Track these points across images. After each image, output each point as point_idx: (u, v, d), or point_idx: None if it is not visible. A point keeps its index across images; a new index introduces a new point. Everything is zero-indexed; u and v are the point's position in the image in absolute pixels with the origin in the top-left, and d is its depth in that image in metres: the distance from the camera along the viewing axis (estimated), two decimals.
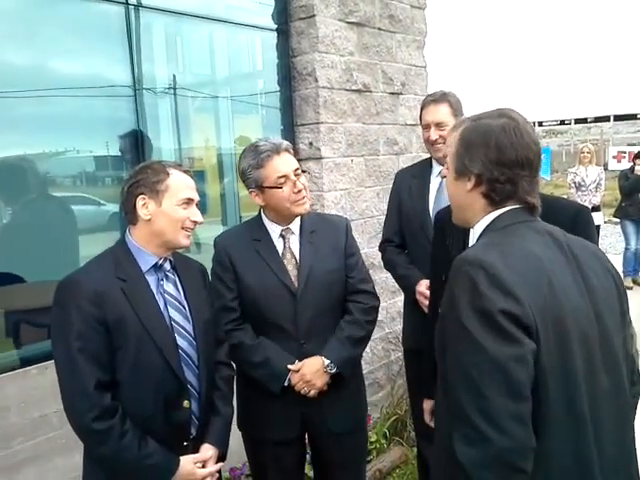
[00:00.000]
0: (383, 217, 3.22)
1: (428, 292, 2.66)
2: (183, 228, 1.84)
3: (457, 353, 1.24)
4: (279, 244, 2.25)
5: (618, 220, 8.30)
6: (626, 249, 8.25)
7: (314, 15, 3.49)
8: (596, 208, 7.83)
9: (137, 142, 3.08)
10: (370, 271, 3.89)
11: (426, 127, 2.76)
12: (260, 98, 3.95)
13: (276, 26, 3.67)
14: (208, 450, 1.93)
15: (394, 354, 4.27)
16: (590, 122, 30.47)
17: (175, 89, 3.41)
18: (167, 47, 3.46)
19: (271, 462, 2.31)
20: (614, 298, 1.40)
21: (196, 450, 1.92)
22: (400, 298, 4.06)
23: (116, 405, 1.74)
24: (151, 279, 1.86)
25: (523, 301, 1.19)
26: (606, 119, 29.23)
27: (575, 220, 1.89)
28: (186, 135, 3.62)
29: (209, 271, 2.20)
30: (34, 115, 2.79)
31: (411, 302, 2.89)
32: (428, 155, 2.94)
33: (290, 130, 3.70)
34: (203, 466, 1.90)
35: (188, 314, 1.92)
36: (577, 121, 30.71)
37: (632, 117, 28.63)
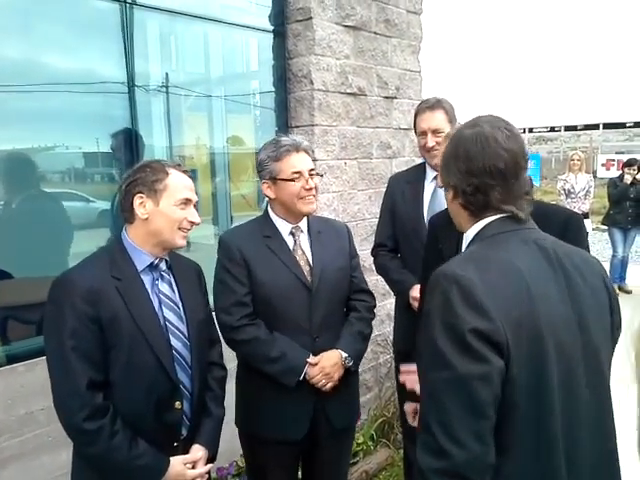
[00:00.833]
0: (375, 220, 3.23)
1: None
2: (180, 228, 1.84)
3: (427, 365, 1.26)
4: (289, 241, 2.29)
5: (606, 227, 8.38)
6: (613, 256, 8.33)
7: (311, 18, 3.50)
8: (585, 215, 7.90)
9: (130, 139, 3.07)
10: None
11: (422, 134, 2.76)
12: (255, 99, 3.96)
13: (273, 28, 3.67)
14: (198, 451, 1.93)
15: (382, 357, 4.28)
16: (580, 129, 30.65)
17: (168, 87, 3.39)
18: (162, 45, 3.44)
19: (272, 461, 2.32)
20: (604, 305, 1.39)
21: (186, 451, 1.91)
22: (389, 301, 4.08)
23: (107, 405, 1.73)
24: (146, 279, 1.86)
25: (495, 318, 1.19)
26: (595, 127, 29.44)
27: (566, 227, 1.90)
28: (179, 133, 3.61)
29: (205, 271, 2.19)
30: (25, 110, 2.77)
31: (403, 306, 2.89)
32: (422, 160, 2.95)
33: (284, 132, 3.70)
34: (193, 467, 1.90)
35: (182, 314, 1.92)
36: (567, 128, 30.90)
37: (621, 125, 28.85)
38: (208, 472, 1.98)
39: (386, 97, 4.10)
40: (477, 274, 1.24)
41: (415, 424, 2.02)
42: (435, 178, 2.76)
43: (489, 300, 1.20)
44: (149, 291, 1.85)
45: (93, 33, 2.97)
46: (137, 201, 1.81)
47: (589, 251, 1.95)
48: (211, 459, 1.99)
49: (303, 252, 2.30)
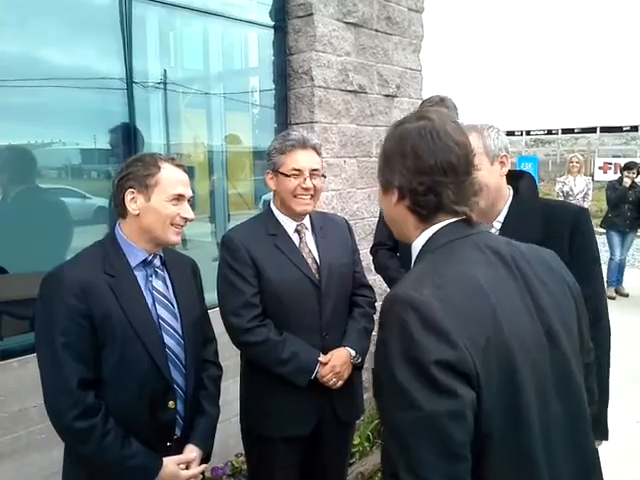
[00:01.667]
0: (374, 219, 3.20)
1: None
2: (173, 224, 1.79)
3: (388, 405, 1.10)
4: (295, 238, 2.27)
5: (603, 230, 8.38)
6: (610, 259, 8.32)
7: (312, 14, 3.47)
8: None
9: (128, 136, 3.04)
10: None
11: None
12: (255, 95, 3.94)
13: (273, 23, 3.64)
14: (192, 451, 1.89)
15: None
16: (577, 133, 30.73)
17: (166, 84, 3.37)
18: (161, 41, 3.42)
19: (277, 458, 2.29)
20: (571, 311, 1.28)
21: (180, 451, 1.88)
22: None
23: (99, 404, 1.69)
24: (140, 275, 1.82)
25: (460, 345, 1.05)
26: (592, 130, 29.51)
27: (579, 220, 1.93)
28: (177, 131, 3.59)
29: (202, 268, 2.16)
30: (22, 105, 2.74)
31: None
32: None
33: (284, 129, 3.67)
34: (187, 467, 1.86)
35: (177, 312, 1.88)
36: (564, 131, 30.95)
37: (618, 129, 28.94)
38: (202, 472, 1.94)
39: (386, 95, 4.08)
40: (434, 294, 1.10)
41: None
42: None
43: (451, 324, 1.06)
44: (142, 288, 1.81)
45: (91, 28, 2.94)
46: (128, 196, 1.76)
47: (597, 245, 1.96)
48: (205, 459, 1.96)
49: (309, 249, 2.28)
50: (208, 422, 1.97)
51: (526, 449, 1.11)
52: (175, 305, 1.88)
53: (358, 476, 3.58)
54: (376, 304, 2.49)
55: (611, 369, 1.97)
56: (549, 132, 31.98)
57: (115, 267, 1.77)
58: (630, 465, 3.64)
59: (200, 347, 1.97)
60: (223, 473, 3.11)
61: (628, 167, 8.19)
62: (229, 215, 3.96)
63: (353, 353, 2.25)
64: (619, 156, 22.97)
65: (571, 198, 8.23)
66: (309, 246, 2.29)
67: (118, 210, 1.82)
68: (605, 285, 3.84)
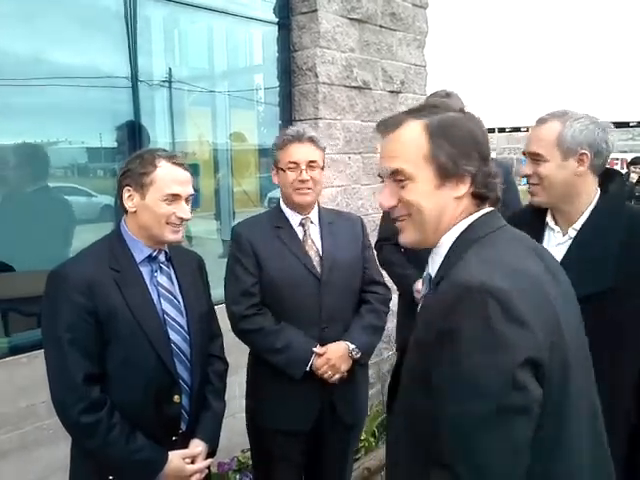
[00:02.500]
0: (378, 215, 3.21)
1: None
2: (169, 223, 1.77)
3: (449, 394, 1.04)
4: (299, 232, 2.30)
5: None
6: None
7: (316, 10, 3.47)
8: None
9: (134, 134, 3.05)
10: None
11: None
12: (259, 92, 3.94)
13: (277, 20, 3.65)
14: (198, 446, 1.89)
15: (385, 353, 4.26)
16: None
17: (171, 82, 3.38)
18: (166, 38, 3.43)
19: (278, 453, 2.30)
20: (576, 303, 1.25)
21: (185, 445, 1.88)
22: (393, 296, 4.05)
23: (104, 398, 1.70)
24: (145, 270, 1.82)
25: (540, 338, 1.02)
26: None
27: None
28: (182, 128, 3.60)
29: (208, 265, 2.16)
30: (29, 104, 2.75)
31: (407, 301, 2.87)
32: None
33: (288, 125, 3.68)
34: (192, 462, 1.86)
35: (182, 307, 1.88)
36: None
37: (625, 125, 28.80)
38: (208, 467, 1.95)
39: (391, 91, 4.08)
40: (508, 282, 1.04)
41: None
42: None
43: (530, 315, 1.02)
44: (148, 283, 1.81)
45: (96, 26, 2.95)
46: (125, 194, 1.77)
47: None
48: (211, 454, 1.96)
49: (313, 242, 2.29)
50: (214, 417, 1.96)
51: (566, 441, 1.10)
52: (181, 301, 1.88)
53: (364, 471, 3.60)
54: (391, 298, 2.48)
55: None
56: None
57: (121, 262, 1.78)
58: None
59: (206, 342, 1.98)
60: (229, 468, 3.12)
61: (634, 162, 8.17)
62: (234, 212, 3.97)
63: (352, 347, 2.23)
64: (626, 151, 22.82)
65: None
66: (313, 239, 2.30)
67: (121, 206, 1.83)
68: None
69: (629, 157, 9.67)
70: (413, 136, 1.20)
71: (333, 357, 2.20)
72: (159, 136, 3.41)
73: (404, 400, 1.23)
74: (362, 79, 3.81)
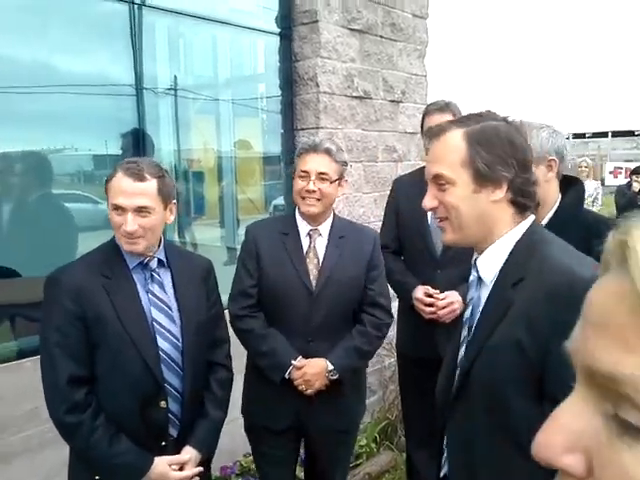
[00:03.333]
0: (380, 223, 3.24)
1: (426, 298, 2.70)
2: (123, 235, 1.76)
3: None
4: (305, 242, 2.31)
5: None
6: None
7: (317, 21, 3.52)
8: None
9: (138, 141, 3.10)
10: None
11: None
12: (261, 102, 3.99)
13: (279, 30, 3.70)
14: (187, 453, 1.88)
15: (387, 360, 4.28)
16: (588, 137, 30.57)
17: (176, 90, 3.43)
18: (170, 47, 3.49)
19: (266, 450, 2.36)
20: None
21: (178, 452, 1.88)
22: (394, 304, 4.08)
23: (89, 401, 1.74)
24: (138, 277, 1.84)
25: None
26: (604, 135, 29.34)
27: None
28: (186, 136, 3.64)
29: (216, 271, 2.16)
30: (35, 112, 2.80)
31: (406, 308, 2.90)
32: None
33: (290, 134, 3.73)
34: (181, 468, 1.86)
35: (175, 315, 1.88)
36: (575, 136, 30.82)
37: (629, 134, 28.75)
38: (200, 475, 1.92)
39: (392, 101, 4.13)
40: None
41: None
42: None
43: None
44: (140, 290, 1.83)
45: (102, 35, 3.00)
46: (107, 202, 1.79)
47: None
48: (206, 462, 1.96)
49: (315, 255, 2.30)
50: (210, 425, 1.96)
51: None
52: (174, 308, 1.88)
53: (365, 477, 3.61)
54: (390, 323, 2.41)
55: None
56: None
57: (113, 269, 1.80)
58: None
59: (203, 350, 1.97)
60: (232, 472, 3.15)
61: (637, 172, 8.17)
62: (239, 220, 4.01)
63: (330, 367, 2.23)
64: (631, 160, 22.80)
65: None
66: (317, 251, 2.30)
67: None
68: None
69: (633, 166, 9.69)
70: (453, 143, 1.28)
71: (309, 373, 2.21)
72: (163, 143, 3.46)
73: (488, 401, 1.25)
74: (363, 89, 3.86)
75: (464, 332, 1.42)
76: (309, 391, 2.22)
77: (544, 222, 1.89)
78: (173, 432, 1.89)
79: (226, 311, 2.22)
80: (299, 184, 2.23)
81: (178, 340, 1.87)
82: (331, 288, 2.25)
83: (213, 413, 1.97)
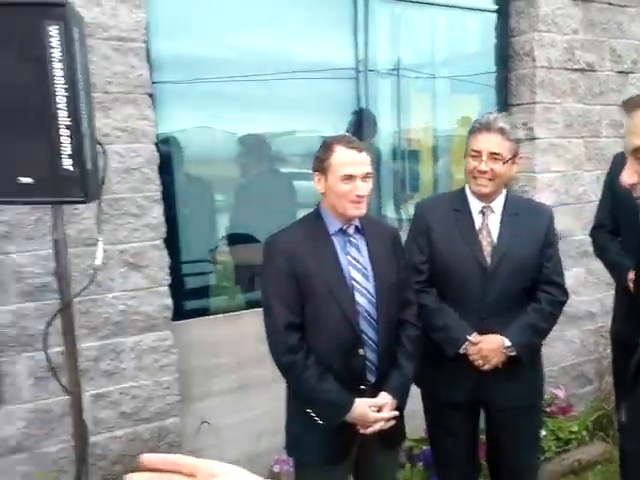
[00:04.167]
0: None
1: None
2: (351, 201, 1.97)
3: None
4: (478, 219, 2.30)
5: None
6: None
7: None
8: None
9: (361, 122, 3.33)
10: (584, 260, 3.72)
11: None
12: (476, 78, 3.97)
13: (496, 7, 3.69)
14: (384, 397, 2.06)
15: (605, 349, 4.04)
16: None
17: (399, 70, 3.57)
18: (391, 31, 3.62)
19: (441, 422, 2.42)
20: None
21: (375, 396, 2.07)
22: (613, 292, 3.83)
23: (302, 344, 2.00)
24: (337, 241, 2.08)
25: None
26: None
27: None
28: (406, 115, 3.73)
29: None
30: (267, 97, 3.14)
31: (621, 291, 2.75)
32: None
33: (503, 110, 3.70)
34: (379, 411, 2.03)
35: (370, 275, 2.08)
36: None
37: None
38: (395, 418, 2.07)
39: (620, 72, 3.85)
40: None
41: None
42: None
43: None
44: (339, 252, 2.06)
45: (328, 22, 3.26)
46: (315, 178, 2.04)
47: None
48: (399, 409, 2.11)
49: (489, 232, 2.28)
50: (402, 375, 2.11)
51: None
52: (369, 269, 2.08)
53: (574, 463, 3.52)
54: (565, 301, 2.37)
55: None
56: None
57: (317, 235, 2.07)
58: None
59: (394, 307, 2.13)
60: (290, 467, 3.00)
61: None
62: None
63: (507, 343, 2.21)
64: None
65: None
66: (490, 228, 2.29)
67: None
68: None
69: None
70: None
71: (485, 349, 2.21)
72: (383, 123, 3.61)
73: None
74: (585, 61, 3.67)
75: None
76: (486, 367, 2.22)
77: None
78: (371, 378, 2.09)
79: None
80: (471, 163, 2.20)
81: (373, 297, 2.07)
82: (507, 266, 2.22)
83: (405, 365, 2.13)
